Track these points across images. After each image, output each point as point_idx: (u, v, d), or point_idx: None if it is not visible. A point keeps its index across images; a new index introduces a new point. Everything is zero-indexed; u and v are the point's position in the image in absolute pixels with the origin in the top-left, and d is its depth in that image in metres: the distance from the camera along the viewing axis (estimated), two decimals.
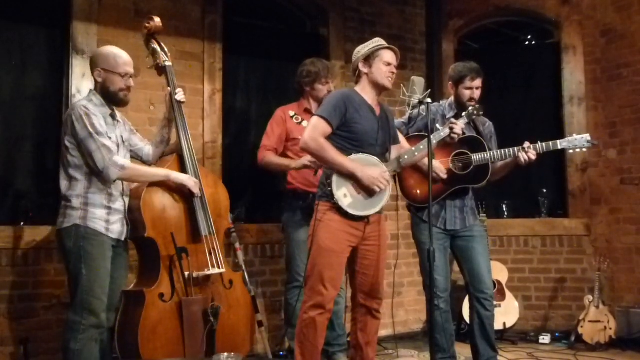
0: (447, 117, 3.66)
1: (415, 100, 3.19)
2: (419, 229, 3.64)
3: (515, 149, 3.47)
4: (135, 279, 3.27)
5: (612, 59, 5.10)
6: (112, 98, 3.10)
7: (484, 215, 4.81)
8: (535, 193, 5.33)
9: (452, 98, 3.71)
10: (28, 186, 3.88)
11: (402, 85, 3.28)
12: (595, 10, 5.22)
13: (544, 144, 3.47)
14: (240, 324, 3.37)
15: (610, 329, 4.52)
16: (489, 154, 3.51)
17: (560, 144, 3.48)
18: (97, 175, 2.97)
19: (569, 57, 5.26)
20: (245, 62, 4.75)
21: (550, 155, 5.16)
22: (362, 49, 3.23)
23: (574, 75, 5.24)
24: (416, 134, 3.62)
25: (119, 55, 3.11)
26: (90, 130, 2.93)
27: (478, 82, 3.60)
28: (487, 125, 3.74)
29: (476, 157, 3.53)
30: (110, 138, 3.02)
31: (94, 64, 3.11)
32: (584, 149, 3.56)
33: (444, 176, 3.51)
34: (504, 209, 5.37)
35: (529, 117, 5.48)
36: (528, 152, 3.43)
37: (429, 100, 3.14)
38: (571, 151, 3.58)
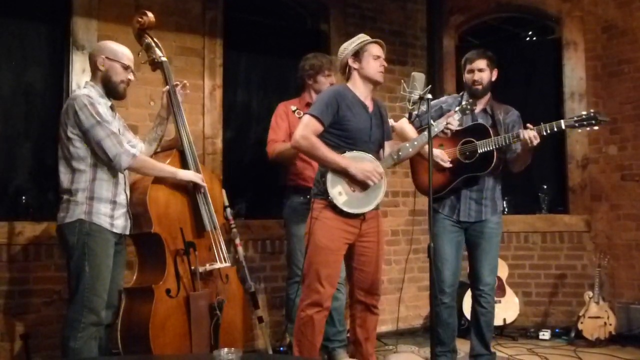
0: None
1: (415, 96, 3.17)
2: (432, 221, 3.63)
3: (518, 131, 3.42)
4: (136, 276, 3.24)
5: (613, 55, 5.09)
6: (112, 88, 3.08)
7: None
8: (535, 189, 5.32)
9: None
10: (28, 182, 3.88)
11: (402, 81, 3.26)
12: (596, 6, 5.21)
13: (547, 124, 3.37)
14: (237, 318, 3.38)
15: (610, 325, 4.52)
16: (493, 140, 3.49)
17: (566, 122, 3.38)
18: (106, 164, 2.94)
19: (569, 53, 5.25)
20: (245, 58, 4.75)
21: (551, 151, 5.23)
22: (348, 45, 3.23)
23: (574, 72, 5.23)
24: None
25: (122, 49, 3.13)
26: (97, 118, 2.91)
27: (478, 64, 3.61)
28: (510, 114, 3.67)
29: (481, 144, 3.52)
30: None
31: (97, 52, 3.09)
32: (595, 127, 3.38)
33: (445, 164, 3.51)
34: (504, 205, 5.36)
35: (530, 113, 5.36)
36: (531, 132, 3.33)
37: (429, 96, 3.12)
38: (580, 130, 3.47)
